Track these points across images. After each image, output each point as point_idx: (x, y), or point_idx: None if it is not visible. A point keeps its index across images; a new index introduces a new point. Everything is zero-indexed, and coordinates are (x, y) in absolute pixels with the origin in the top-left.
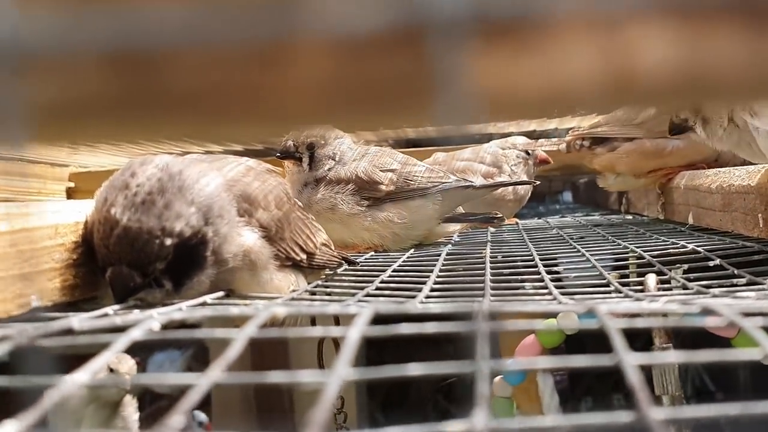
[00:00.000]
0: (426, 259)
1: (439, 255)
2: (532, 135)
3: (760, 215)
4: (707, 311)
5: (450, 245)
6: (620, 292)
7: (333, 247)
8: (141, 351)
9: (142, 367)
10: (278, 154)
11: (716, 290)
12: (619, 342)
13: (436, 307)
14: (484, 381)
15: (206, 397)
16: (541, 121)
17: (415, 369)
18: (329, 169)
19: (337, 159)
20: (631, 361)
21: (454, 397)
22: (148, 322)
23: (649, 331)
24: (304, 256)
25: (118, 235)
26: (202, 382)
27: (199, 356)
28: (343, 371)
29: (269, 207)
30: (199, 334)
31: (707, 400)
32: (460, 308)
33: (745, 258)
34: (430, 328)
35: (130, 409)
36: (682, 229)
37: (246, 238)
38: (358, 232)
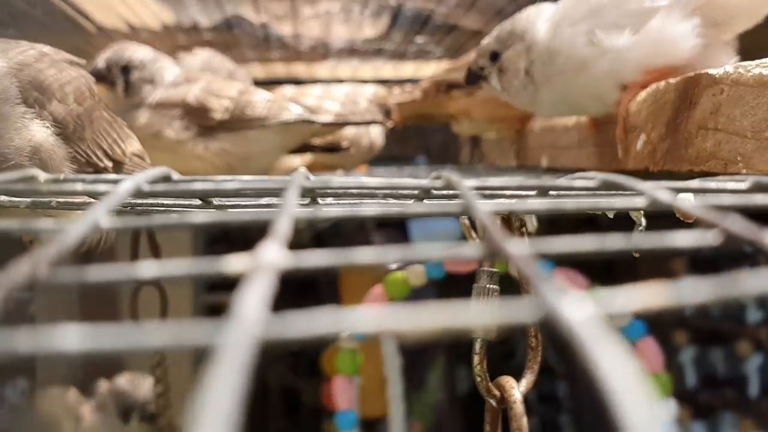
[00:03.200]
0: None
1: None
2: (387, 83)
3: (619, 145)
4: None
5: None
6: None
7: (149, 161)
8: None
9: None
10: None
11: None
12: (469, 193)
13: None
14: (285, 221)
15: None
16: (396, 66)
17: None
18: (148, 94)
19: (155, 83)
20: (484, 207)
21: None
22: None
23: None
24: (109, 164)
25: None
26: None
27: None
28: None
29: (66, 100)
30: None
31: (548, 376)
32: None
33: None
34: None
35: None
36: (535, 171)
37: (34, 133)
38: (189, 160)
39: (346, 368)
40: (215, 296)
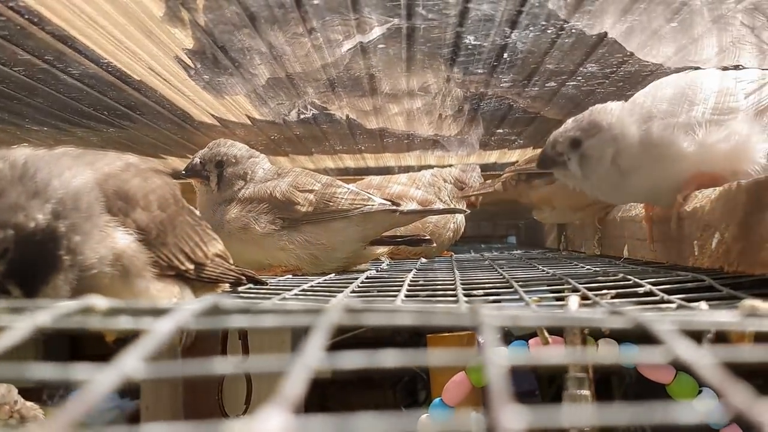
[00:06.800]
0: (343, 280)
1: (357, 278)
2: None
3: (695, 242)
4: (614, 312)
5: (372, 271)
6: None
7: (231, 261)
8: (56, 391)
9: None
10: (183, 172)
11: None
12: (491, 337)
13: (294, 305)
14: (297, 379)
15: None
16: (480, 154)
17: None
18: (239, 189)
19: (248, 179)
20: (496, 358)
21: None
22: None
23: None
24: (191, 266)
25: None
26: None
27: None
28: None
29: (150, 207)
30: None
31: None
32: (318, 305)
33: (677, 286)
34: (270, 321)
35: None
36: (617, 262)
37: (118, 240)
38: (273, 252)
39: None
40: None
